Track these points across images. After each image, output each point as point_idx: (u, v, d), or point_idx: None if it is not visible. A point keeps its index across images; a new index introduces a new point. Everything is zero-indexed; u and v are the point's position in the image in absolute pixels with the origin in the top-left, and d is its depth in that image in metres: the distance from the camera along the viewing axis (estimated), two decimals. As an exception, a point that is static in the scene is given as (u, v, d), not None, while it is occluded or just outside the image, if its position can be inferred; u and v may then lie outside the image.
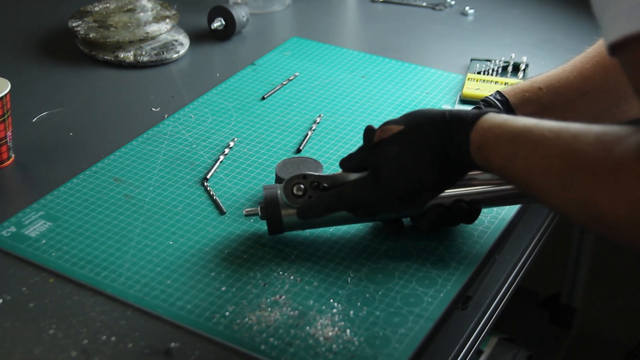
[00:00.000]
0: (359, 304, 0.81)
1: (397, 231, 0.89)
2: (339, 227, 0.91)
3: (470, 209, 0.87)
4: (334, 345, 0.76)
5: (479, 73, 1.24)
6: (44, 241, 0.89)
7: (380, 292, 0.82)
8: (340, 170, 0.89)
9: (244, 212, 0.90)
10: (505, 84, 1.20)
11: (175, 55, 1.33)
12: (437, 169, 0.81)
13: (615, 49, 0.62)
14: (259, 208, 0.88)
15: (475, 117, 0.78)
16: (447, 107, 1.17)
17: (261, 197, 0.96)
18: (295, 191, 0.86)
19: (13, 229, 0.91)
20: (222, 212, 0.94)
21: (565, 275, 1.71)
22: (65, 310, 0.80)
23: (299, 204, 0.86)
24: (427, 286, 0.83)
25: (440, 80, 1.25)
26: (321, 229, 0.91)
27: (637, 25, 0.59)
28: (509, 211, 0.94)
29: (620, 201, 0.62)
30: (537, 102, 0.94)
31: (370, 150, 0.85)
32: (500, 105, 0.94)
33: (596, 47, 0.95)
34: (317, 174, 0.87)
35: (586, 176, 0.66)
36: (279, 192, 0.87)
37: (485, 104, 0.95)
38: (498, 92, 0.96)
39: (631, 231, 0.63)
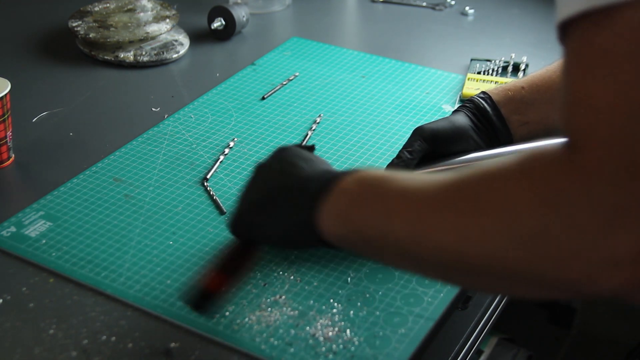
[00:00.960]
0: (359, 304, 0.81)
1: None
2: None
3: None
4: (334, 345, 0.76)
5: (479, 73, 1.24)
6: (44, 241, 0.89)
7: (380, 292, 0.82)
8: None
9: None
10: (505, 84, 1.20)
11: (175, 55, 1.33)
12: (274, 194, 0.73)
13: (565, 28, 0.54)
14: None
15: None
16: (447, 107, 1.17)
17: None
18: None
19: (13, 229, 0.91)
20: (222, 212, 0.94)
21: (565, 275, 1.70)
22: (65, 310, 0.80)
23: None
24: (427, 286, 0.83)
25: (440, 80, 1.25)
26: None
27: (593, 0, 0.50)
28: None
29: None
30: (519, 100, 0.95)
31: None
32: (484, 103, 0.95)
33: None
34: None
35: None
36: None
37: (470, 102, 0.96)
38: (483, 92, 0.98)
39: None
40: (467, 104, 0.96)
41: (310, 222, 0.69)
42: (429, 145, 0.90)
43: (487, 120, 0.94)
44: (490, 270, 0.56)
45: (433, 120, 0.95)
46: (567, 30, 0.54)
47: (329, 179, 0.69)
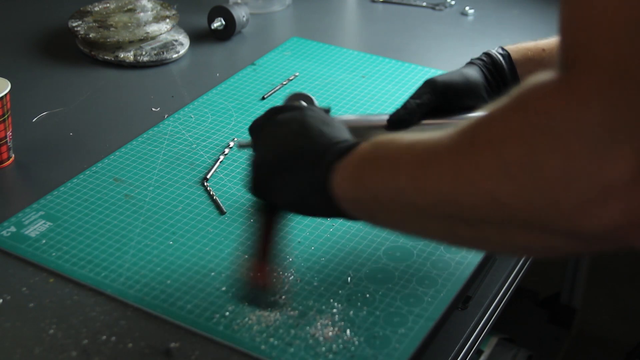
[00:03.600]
0: (359, 304, 0.81)
1: None
2: (340, 224, 0.91)
3: None
4: (334, 345, 0.76)
5: (479, 73, 1.24)
6: (44, 241, 0.89)
7: (380, 292, 0.82)
8: None
9: (238, 144, 0.86)
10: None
11: (175, 55, 1.33)
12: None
13: None
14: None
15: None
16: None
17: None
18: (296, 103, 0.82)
19: (13, 229, 0.91)
20: (222, 212, 0.94)
21: (565, 275, 1.71)
22: (65, 310, 0.80)
23: None
24: (427, 286, 0.83)
25: (440, 80, 1.25)
26: (321, 227, 0.91)
27: None
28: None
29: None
30: (538, 62, 0.92)
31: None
32: (502, 59, 0.92)
33: None
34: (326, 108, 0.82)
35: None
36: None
37: (488, 57, 0.93)
38: (502, 47, 0.94)
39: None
40: (484, 58, 0.93)
41: (324, 186, 0.66)
42: (437, 98, 0.87)
43: (501, 79, 0.91)
44: (485, 215, 0.53)
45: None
46: None
47: (350, 146, 0.67)
